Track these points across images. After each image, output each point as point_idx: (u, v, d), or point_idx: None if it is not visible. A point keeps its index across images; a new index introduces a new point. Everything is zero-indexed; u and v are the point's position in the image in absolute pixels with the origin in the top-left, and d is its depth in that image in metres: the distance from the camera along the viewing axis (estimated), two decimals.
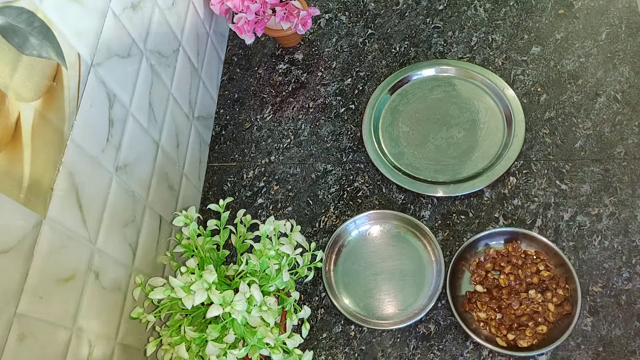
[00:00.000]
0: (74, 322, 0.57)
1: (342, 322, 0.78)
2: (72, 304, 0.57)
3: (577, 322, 0.71)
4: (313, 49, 1.01)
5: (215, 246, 0.73)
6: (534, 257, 0.76)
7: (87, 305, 0.59)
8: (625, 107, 0.85)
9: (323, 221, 0.85)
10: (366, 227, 0.83)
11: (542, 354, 0.71)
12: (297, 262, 0.70)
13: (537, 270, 0.75)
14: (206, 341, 0.60)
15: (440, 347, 0.74)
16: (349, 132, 0.92)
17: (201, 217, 0.86)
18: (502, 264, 0.76)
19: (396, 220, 0.83)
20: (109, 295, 0.64)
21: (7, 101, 0.49)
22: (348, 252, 0.82)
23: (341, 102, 0.95)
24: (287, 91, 0.98)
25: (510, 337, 0.71)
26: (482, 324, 0.73)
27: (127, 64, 0.69)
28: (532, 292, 0.73)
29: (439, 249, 0.79)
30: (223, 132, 0.97)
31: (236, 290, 0.62)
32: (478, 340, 0.71)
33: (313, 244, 0.75)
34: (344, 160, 0.90)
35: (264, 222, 0.72)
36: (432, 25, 0.98)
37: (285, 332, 0.65)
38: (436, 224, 0.82)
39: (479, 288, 0.75)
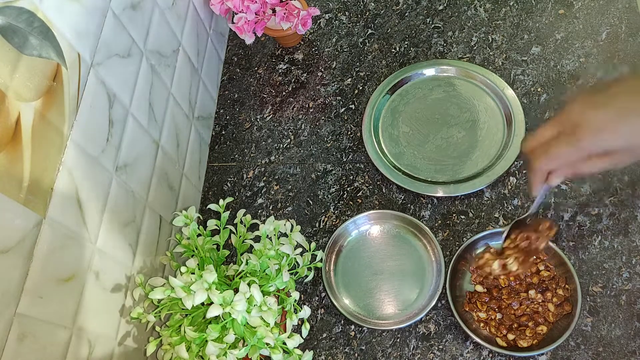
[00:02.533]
0: (74, 322, 0.57)
1: (342, 322, 0.78)
2: (72, 304, 0.57)
3: (577, 322, 0.71)
4: (313, 49, 1.01)
5: (215, 246, 0.73)
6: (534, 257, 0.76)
7: (87, 305, 0.59)
8: None
9: (323, 221, 0.85)
10: (366, 227, 0.83)
11: (542, 354, 0.71)
12: (297, 262, 0.70)
13: (537, 270, 0.75)
14: (206, 341, 0.60)
15: (440, 347, 0.74)
16: (349, 132, 0.92)
17: (201, 217, 0.86)
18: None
19: (396, 220, 0.83)
20: (109, 295, 0.64)
21: (7, 101, 0.49)
22: (348, 252, 0.82)
23: (341, 102, 0.95)
24: (287, 91, 0.98)
25: (510, 337, 0.71)
26: (482, 324, 0.73)
27: (127, 64, 0.69)
28: (532, 292, 0.73)
29: (439, 248, 0.79)
30: (223, 132, 0.97)
31: (236, 290, 0.62)
32: (478, 340, 0.71)
33: (313, 244, 0.75)
34: (344, 160, 0.90)
35: (264, 222, 0.72)
36: (432, 25, 0.98)
37: (285, 332, 0.65)
38: (436, 224, 0.82)
39: (479, 288, 0.75)
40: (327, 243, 0.81)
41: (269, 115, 0.96)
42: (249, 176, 0.91)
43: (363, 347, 0.76)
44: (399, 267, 0.80)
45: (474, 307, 0.74)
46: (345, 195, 0.87)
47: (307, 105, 0.96)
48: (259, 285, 0.64)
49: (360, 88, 0.95)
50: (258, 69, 1.01)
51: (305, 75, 0.99)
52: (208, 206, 0.75)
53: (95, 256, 0.61)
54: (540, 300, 0.73)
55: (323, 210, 0.86)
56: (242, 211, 0.74)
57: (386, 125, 0.91)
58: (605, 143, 0.53)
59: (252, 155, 0.93)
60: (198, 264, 0.67)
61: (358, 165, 0.89)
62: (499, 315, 0.73)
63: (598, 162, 0.55)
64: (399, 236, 0.82)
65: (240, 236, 0.73)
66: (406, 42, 0.98)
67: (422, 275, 0.79)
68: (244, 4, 0.90)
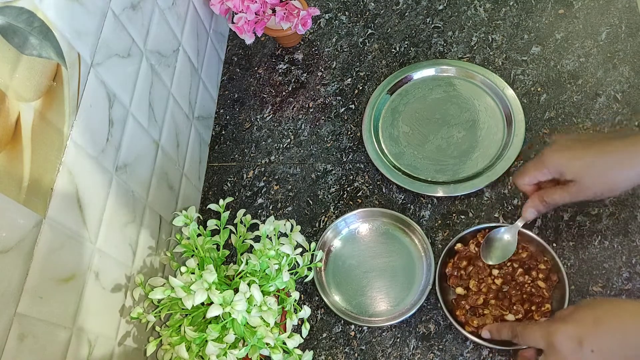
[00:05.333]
0: (74, 322, 0.57)
1: (342, 322, 0.78)
2: (72, 304, 0.57)
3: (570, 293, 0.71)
4: (313, 49, 1.01)
5: (215, 246, 0.73)
6: None
7: (87, 305, 0.59)
8: (625, 107, 0.85)
9: (323, 221, 0.85)
10: (355, 226, 0.84)
11: None
12: (297, 262, 0.70)
13: (515, 252, 0.75)
14: (206, 341, 0.60)
15: (440, 347, 0.74)
16: (349, 132, 0.92)
17: (201, 217, 0.86)
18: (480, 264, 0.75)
19: (384, 217, 0.83)
20: (109, 295, 0.64)
21: (7, 101, 0.49)
22: (338, 251, 0.83)
23: (341, 102, 0.95)
24: (287, 91, 0.98)
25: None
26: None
27: (127, 64, 0.69)
28: (519, 275, 0.73)
29: (427, 244, 0.79)
30: (223, 132, 0.97)
31: (236, 290, 0.62)
32: (475, 339, 0.71)
33: (313, 244, 0.75)
34: (344, 160, 0.90)
35: (264, 222, 0.72)
36: (432, 25, 0.98)
37: (285, 332, 0.66)
38: (436, 224, 0.82)
39: (460, 291, 0.74)
40: (317, 242, 0.81)
41: (269, 115, 0.96)
42: (249, 176, 0.91)
43: (363, 347, 0.76)
44: (389, 264, 0.80)
45: (467, 315, 0.73)
46: (345, 195, 0.87)
47: (307, 105, 0.96)
48: (259, 285, 0.64)
49: (360, 88, 0.95)
50: (258, 69, 1.01)
51: (305, 75, 0.99)
52: (208, 206, 0.75)
53: (95, 256, 0.61)
54: (529, 281, 0.73)
55: (323, 210, 0.86)
56: (242, 211, 0.74)
57: (386, 125, 0.91)
58: (599, 196, 0.64)
59: (252, 155, 0.93)
60: (198, 264, 0.67)
61: (358, 165, 0.89)
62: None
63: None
64: (387, 233, 0.82)
65: (240, 236, 0.73)
66: (406, 42, 0.98)
67: (412, 271, 0.79)
68: (244, 4, 0.90)
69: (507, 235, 0.74)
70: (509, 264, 0.75)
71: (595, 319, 0.57)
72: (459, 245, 0.77)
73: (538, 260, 0.74)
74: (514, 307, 0.72)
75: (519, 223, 0.73)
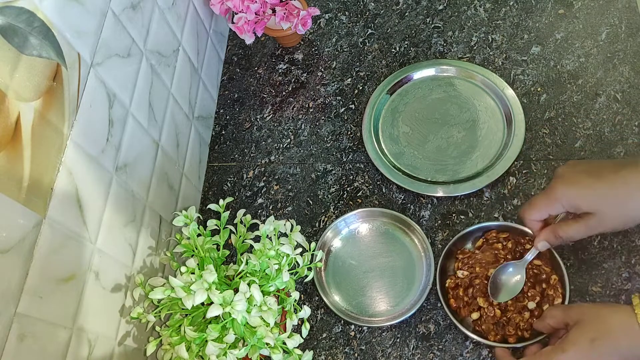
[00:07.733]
0: (74, 322, 0.57)
1: (342, 322, 0.78)
2: (72, 304, 0.57)
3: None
4: (313, 49, 1.01)
5: (215, 246, 0.73)
6: (491, 240, 0.76)
7: (87, 305, 0.59)
8: (625, 107, 0.85)
9: (323, 221, 0.85)
10: (355, 226, 0.84)
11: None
12: (297, 262, 0.70)
13: (502, 247, 0.75)
14: (206, 341, 0.60)
15: (440, 347, 0.74)
16: (349, 132, 0.92)
17: (201, 217, 0.86)
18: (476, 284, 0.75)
19: (384, 217, 0.83)
20: (109, 295, 0.64)
21: (7, 101, 0.49)
22: (338, 251, 0.83)
23: (341, 102, 0.95)
24: (287, 91, 0.98)
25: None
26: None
27: (127, 64, 0.69)
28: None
29: (427, 244, 0.79)
30: (223, 132, 0.97)
31: (236, 290, 0.62)
32: (474, 336, 0.70)
33: (313, 244, 0.75)
34: (344, 160, 0.90)
35: (264, 222, 0.72)
36: (432, 25, 0.98)
37: (285, 332, 0.66)
38: (436, 224, 0.82)
39: (475, 316, 0.73)
40: (317, 242, 0.81)
41: (269, 115, 0.96)
42: (249, 176, 0.91)
43: (363, 347, 0.76)
44: (389, 264, 0.80)
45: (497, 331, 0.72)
46: (345, 195, 0.87)
47: (307, 105, 0.96)
48: (259, 285, 0.64)
49: (360, 88, 0.95)
50: (258, 69, 1.01)
51: (305, 75, 0.99)
52: (208, 206, 0.75)
53: (95, 256, 0.61)
54: (528, 265, 0.73)
55: (323, 210, 0.86)
56: (242, 211, 0.74)
57: (386, 125, 0.91)
58: (617, 227, 0.63)
59: (252, 155, 0.93)
60: (198, 264, 0.67)
61: (358, 165, 0.89)
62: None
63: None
64: (387, 233, 0.83)
65: (240, 236, 0.73)
66: (406, 42, 0.98)
67: (412, 271, 0.79)
68: (244, 4, 0.90)
69: (514, 271, 0.72)
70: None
71: (590, 340, 0.58)
72: (449, 281, 0.76)
73: (522, 242, 0.75)
74: (529, 294, 0.71)
75: (529, 256, 0.71)
